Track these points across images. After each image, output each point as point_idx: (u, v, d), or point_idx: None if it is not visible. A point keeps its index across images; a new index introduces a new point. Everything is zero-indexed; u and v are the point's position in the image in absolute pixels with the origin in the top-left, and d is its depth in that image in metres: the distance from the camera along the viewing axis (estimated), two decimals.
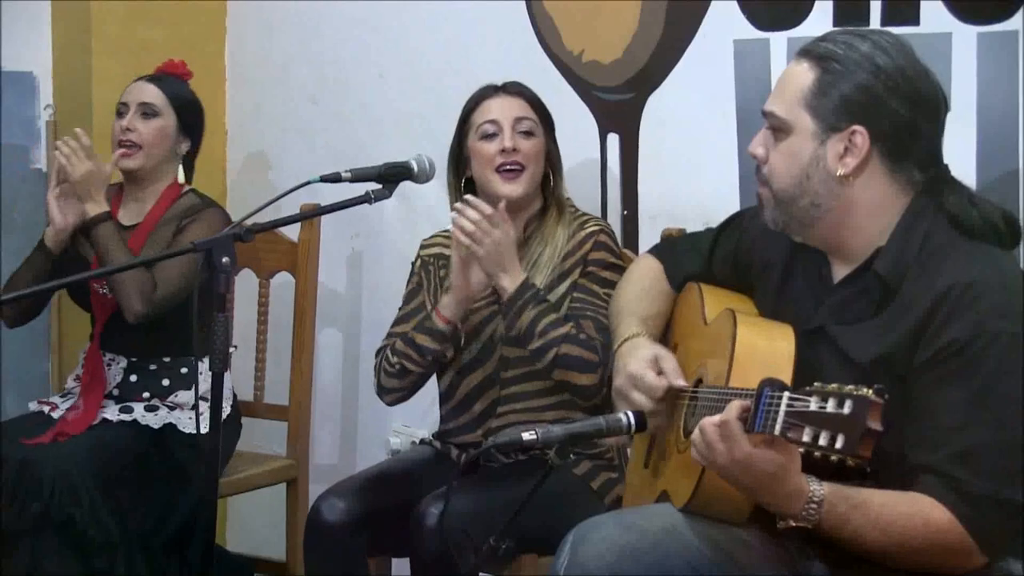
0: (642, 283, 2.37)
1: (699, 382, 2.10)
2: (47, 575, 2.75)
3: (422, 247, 2.86)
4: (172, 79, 3.10)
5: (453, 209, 2.62)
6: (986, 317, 1.84)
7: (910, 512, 1.83)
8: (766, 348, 1.95)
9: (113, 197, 3.08)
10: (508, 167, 2.67)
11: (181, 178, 3.07)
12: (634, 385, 2.15)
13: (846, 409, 1.65)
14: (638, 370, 2.15)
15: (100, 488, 2.78)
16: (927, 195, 1.98)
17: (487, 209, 2.56)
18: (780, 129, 1.98)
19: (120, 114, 3.03)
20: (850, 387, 1.67)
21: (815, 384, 1.70)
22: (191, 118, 3.07)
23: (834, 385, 1.69)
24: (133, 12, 3.52)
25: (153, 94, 3.03)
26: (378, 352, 2.78)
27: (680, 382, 2.12)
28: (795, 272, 2.10)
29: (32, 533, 2.76)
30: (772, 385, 1.75)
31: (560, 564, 1.95)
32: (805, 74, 1.96)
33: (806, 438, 1.68)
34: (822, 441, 1.67)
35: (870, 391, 1.65)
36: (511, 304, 2.58)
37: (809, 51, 1.98)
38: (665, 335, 2.33)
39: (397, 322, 2.81)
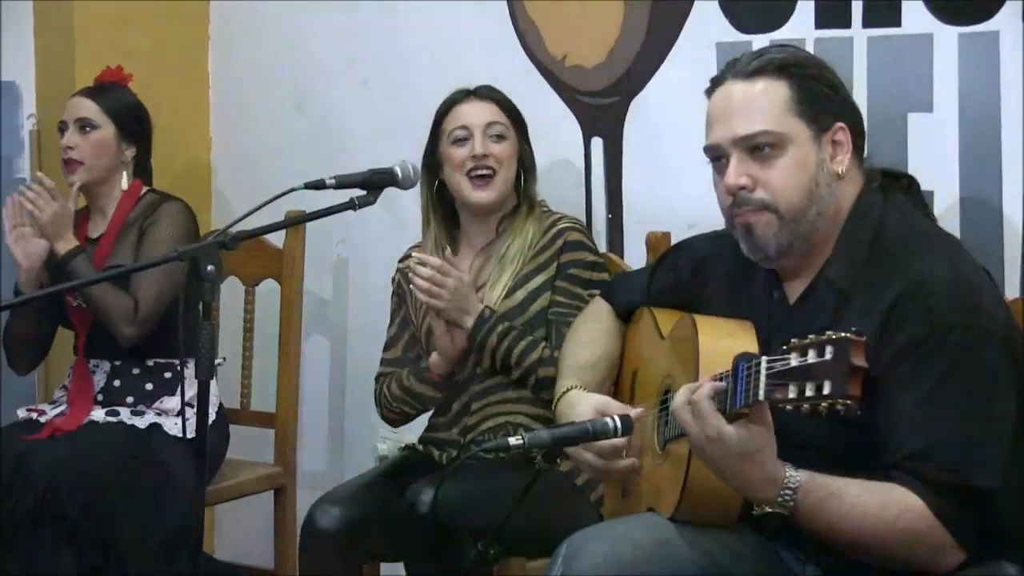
0: (581, 330, 2.39)
1: (667, 392, 2.09)
2: (42, 572, 2.76)
3: (399, 261, 2.88)
4: (111, 88, 3.11)
5: (407, 264, 2.65)
6: (938, 314, 1.85)
7: (885, 502, 1.82)
8: (729, 343, 1.95)
9: (83, 217, 3.12)
10: (479, 172, 2.70)
11: (125, 185, 3.07)
12: (584, 447, 2.12)
13: (828, 355, 1.64)
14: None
15: (92, 487, 2.80)
16: (865, 192, 1.99)
17: (435, 261, 2.60)
18: (774, 145, 1.93)
19: (61, 132, 3.07)
20: (828, 333, 1.65)
21: (792, 342, 1.69)
22: (131, 125, 3.09)
23: (809, 337, 1.67)
24: (116, 20, 3.52)
25: (88, 108, 3.05)
26: (377, 378, 2.83)
27: (634, 411, 2.10)
28: (741, 301, 2.08)
29: (28, 528, 2.78)
30: (746, 358, 1.74)
31: None
32: (775, 87, 1.94)
33: (792, 394, 1.66)
34: (808, 392, 1.65)
35: (847, 333, 1.64)
36: (473, 338, 2.63)
37: (760, 69, 1.95)
38: (620, 369, 2.33)
39: (387, 346, 2.85)
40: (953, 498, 1.81)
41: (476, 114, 2.72)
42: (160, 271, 2.89)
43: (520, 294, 2.67)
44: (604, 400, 2.18)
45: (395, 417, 2.81)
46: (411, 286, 2.64)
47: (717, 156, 1.99)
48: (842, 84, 2.00)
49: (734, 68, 1.98)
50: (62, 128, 3.06)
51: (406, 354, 2.80)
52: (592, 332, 2.36)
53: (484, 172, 2.70)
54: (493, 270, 2.72)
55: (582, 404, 2.18)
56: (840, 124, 1.96)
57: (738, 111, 1.95)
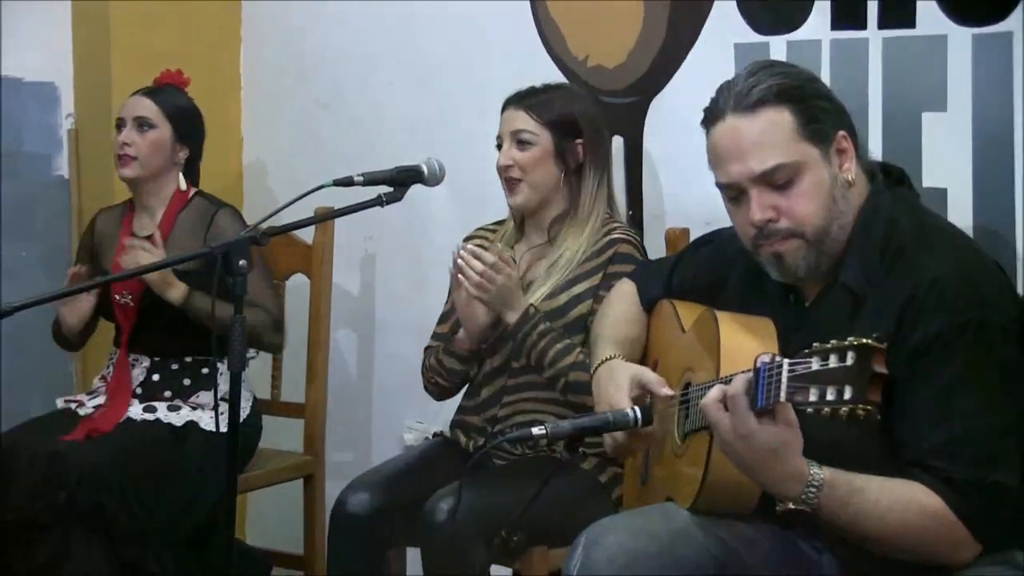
0: (618, 308, 2.40)
1: (687, 386, 2.11)
2: (75, 567, 2.81)
3: (464, 239, 2.91)
4: (168, 89, 3.16)
5: (458, 254, 2.69)
6: (952, 311, 1.87)
7: (906, 499, 1.85)
8: (749, 340, 1.98)
9: (127, 212, 3.18)
10: (506, 177, 2.77)
11: (182, 185, 3.14)
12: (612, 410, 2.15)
13: (849, 360, 1.67)
14: (617, 396, 2.17)
15: (126, 486, 2.85)
16: (873, 193, 2.02)
17: (489, 259, 2.64)
18: (793, 172, 1.95)
19: (118, 128, 3.12)
20: (849, 339, 1.68)
21: (813, 345, 1.72)
22: (187, 127, 3.14)
23: (832, 342, 1.70)
24: (150, 22, 3.57)
25: (147, 107, 3.11)
26: (425, 350, 2.88)
27: (665, 391, 2.12)
28: (757, 301, 2.10)
29: (60, 524, 2.82)
30: (767, 359, 1.77)
31: (572, 567, 1.98)
32: (779, 116, 1.95)
33: (813, 397, 1.69)
34: (830, 396, 1.68)
35: (869, 339, 1.67)
36: (514, 334, 2.67)
37: (761, 100, 1.95)
38: (643, 356, 2.35)
39: (440, 320, 2.90)
40: (972, 494, 1.84)
41: (507, 123, 2.78)
42: (265, 278, 3.01)
43: (563, 297, 2.71)
44: (638, 371, 2.20)
45: (431, 388, 2.86)
46: (458, 273, 2.67)
47: (733, 191, 2.00)
48: (830, 91, 2.02)
49: (731, 99, 1.97)
50: (120, 125, 3.11)
51: (454, 331, 2.84)
52: (629, 313, 2.38)
53: (509, 177, 2.77)
54: (541, 274, 2.75)
55: (621, 372, 2.20)
56: (841, 132, 1.98)
57: (749, 148, 1.95)
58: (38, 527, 2.84)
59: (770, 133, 1.95)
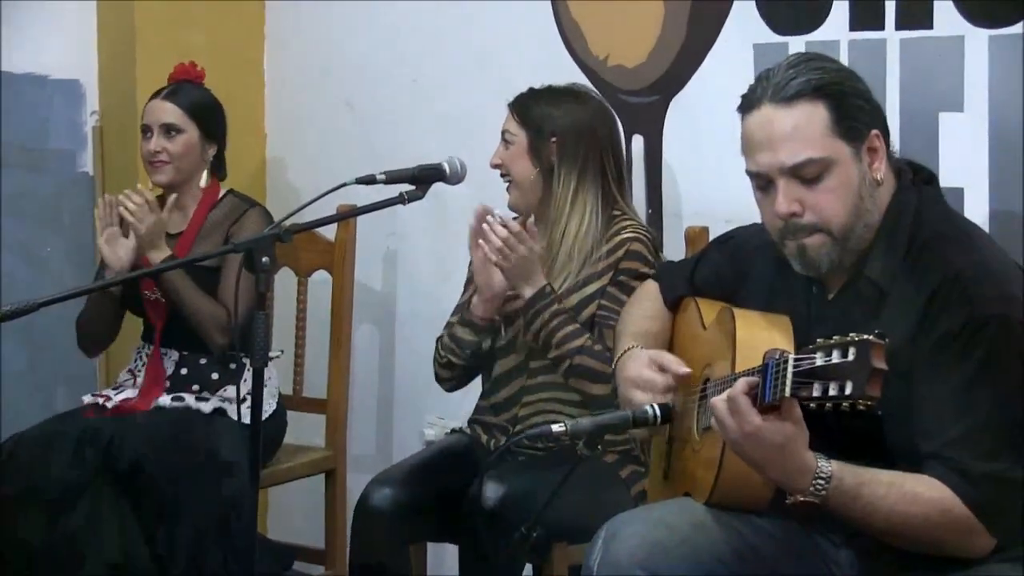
0: (643, 305, 2.42)
1: (706, 381, 2.13)
2: (107, 534, 2.86)
3: None
4: (186, 87, 3.17)
5: (485, 221, 2.70)
6: (974, 306, 1.89)
7: (916, 491, 1.86)
8: (765, 336, 1.99)
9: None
10: (503, 178, 2.81)
11: (203, 182, 3.16)
12: (635, 386, 2.18)
13: (850, 356, 1.69)
14: (636, 371, 2.19)
15: (155, 450, 2.89)
16: (900, 191, 2.03)
17: (515, 227, 2.65)
18: (822, 168, 1.95)
19: (145, 135, 3.14)
20: (851, 335, 1.71)
21: (817, 341, 1.75)
22: (212, 124, 3.16)
23: (835, 338, 1.73)
24: (175, 20, 3.60)
25: (172, 112, 3.12)
26: (438, 339, 2.89)
27: (684, 369, 2.13)
28: (781, 294, 2.12)
29: (91, 489, 2.87)
30: (775, 355, 1.80)
31: (593, 560, 2.00)
32: (814, 111, 1.95)
33: (816, 392, 1.72)
34: (832, 391, 1.70)
35: (870, 335, 1.70)
36: (527, 310, 2.68)
37: (799, 93, 1.96)
38: (668, 352, 2.34)
39: (455, 311, 2.90)
40: (986, 487, 1.85)
41: (503, 124, 2.82)
42: (247, 280, 2.98)
43: (574, 298, 2.72)
44: (658, 353, 2.21)
45: (445, 374, 2.85)
46: (480, 239, 2.68)
47: (761, 180, 2.02)
48: (869, 89, 2.03)
49: (769, 89, 1.97)
50: (146, 132, 3.13)
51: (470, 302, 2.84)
52: (651, 310, 2.40)
53: (503, 176, 2.81)
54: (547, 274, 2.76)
55: (642, 355, 2.22)
56: (874, 132, 1.99)
57: (781, 140, 1.96)
58: (69, 492, 2.87)
59: (803, 127, 1.95)
